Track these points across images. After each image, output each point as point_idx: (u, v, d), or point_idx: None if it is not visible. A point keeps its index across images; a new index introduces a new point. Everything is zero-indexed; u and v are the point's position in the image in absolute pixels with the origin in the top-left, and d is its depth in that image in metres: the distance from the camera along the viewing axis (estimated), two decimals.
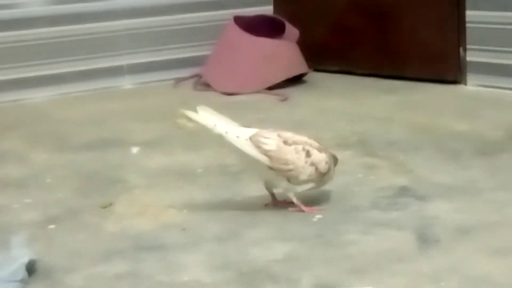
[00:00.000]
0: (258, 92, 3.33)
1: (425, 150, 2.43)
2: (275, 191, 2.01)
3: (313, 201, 2.01)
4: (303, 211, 1.96)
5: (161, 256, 1.75)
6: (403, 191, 2.08)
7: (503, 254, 1.67)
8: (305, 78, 3.50)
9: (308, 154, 1.94)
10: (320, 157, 1.96)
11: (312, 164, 1.94)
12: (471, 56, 3.24)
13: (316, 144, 1.97)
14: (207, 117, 1.91)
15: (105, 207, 2.06)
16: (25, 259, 1.66)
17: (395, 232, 1.82)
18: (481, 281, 1.55)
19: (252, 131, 1.94)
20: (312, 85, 3.45)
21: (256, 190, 2.08)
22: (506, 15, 3.12)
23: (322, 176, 1.97)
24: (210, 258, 1.73)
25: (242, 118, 2.76)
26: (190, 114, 1.90)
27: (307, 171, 1.94)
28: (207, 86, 3.44)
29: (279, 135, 1.95)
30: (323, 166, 1.96)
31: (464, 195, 2.03)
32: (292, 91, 3.32)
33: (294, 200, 1.97)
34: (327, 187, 2.07)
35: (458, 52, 3.25)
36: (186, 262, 1.71)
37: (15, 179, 2.33)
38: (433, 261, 1.66)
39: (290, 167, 1.93)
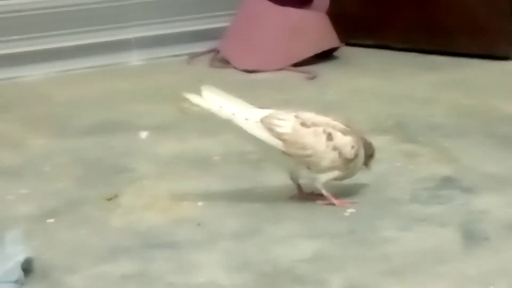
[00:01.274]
0: (283, 69, 3.33)
1: (472, 136, 2.42)
2: (301, 181, 2.01)
3: (345, 193, 2.02)
4: (333, 204, 1.97)
5: (173, 254, 1.76)
6: (447, 182, 2.08)
7: None
8: (335, 53, 3.49)
9: (329, 137, 1.93)
10: (345, 141, 1.94)
11: (335, 148, 1.93)
12: None
13: (340, 126, 1.95)
14: (212, 98, 1.90)
15: (110, 199, 2.07)
16: (20, 258, 1.67)
17: (438, 229, 1.82)
18: None
19: (264, 112, 1.93)
20: (343, 61, 3.44)
21: (279, 180, 2.09)
22: None
23: (348, 163, 1.95)
24: (228, 257, 1.74)
25: (264, 99, 2.78)
26: (192, 97, 1.90)
27: (328, 156, 1.93)
28: (225, 62, 3.44)
29: (296, 116, 1.93)
30: (348, 151, 1.94)
31: None
32: (321, 68, 3.32)
33: (323, 191, 1.96)
34: (360, 177, 2.07)
35: (511, 24, 3.23)
36: (201, 262, 1.72)
37: (10, 167, 2.35)
38: (480, 262, 1.66)
39: (308, 152, 1.92)
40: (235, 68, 3.38)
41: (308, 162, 1.93)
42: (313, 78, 3.22)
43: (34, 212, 2.02)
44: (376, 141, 2.09)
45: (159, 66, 3.51)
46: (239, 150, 2.26)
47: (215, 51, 3.54)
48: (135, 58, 3.55)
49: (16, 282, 1.61)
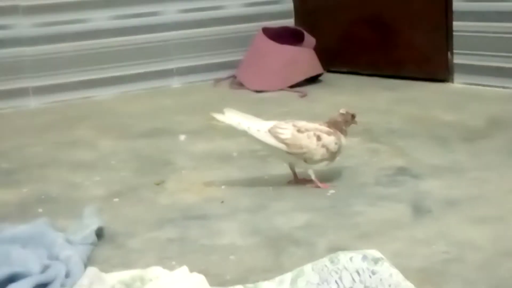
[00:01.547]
0: (282, 89, 3.31)
1: (419, 137, 2.40)
2: (297, 170, 2.01)
3: (327, 179, 2.00)
4: (319, 187, 1.96)
5: (203, 224, 1.75)
6: (401, 171, 2.07)
7: (484, 223, 1.66)
8: (320, 78, 3.49)
9: (318, 138, 1.93)
10: (330, 139, 1.94)
11: (323, 146, 1.94)
12: (457, 59, 3.20)
13: (325, 129, 1.95)
14: (232, 117, 1.92)
15: (158, 184, 2.07)
16: (94, 227, 1.68)
17: (394, 204, 1.81)
18: (465, 245, 1.54)
19: (270, 123, 1.94)
20: (326, 83, 3.43)
21: (280, 170, 2.08)
22: (486, 25, 3.08)
23: (334, 154, 1.96)
24: (243, 225, 1.73)
25: (269, 111, 2.82)
26: (218, 116, 1.92)
27: (319, 152, 1.93)
28: (240, 85, 3.43)
29: (293, 125, 1.94)
30: (333, 147, 1.95)
31: (451, 173, 2.02)
32: (310, 89, 3.31)
33: (313, 177, 1.96)
34: (338, 167, 2.06)
35: (447, 56, 3.21)
36: (224, 229, 1.71)
37: (87, 162, 2.34)
38: (425, 228, 1.66)
39: (304, 150, 1.92)
40: (248, 89, 3.37)
41: (305, 157, 1.93)
42: (304, 96, 3.20)
43: (104, 194, 2.02)
44: (350, 141, 2.06)
45: (193, 88, 3.52)
46: (251, 148, 2.25)
47: (234, 76, 3.53)
48: (175, 82, 3.55)
49: (91, 244, 1.62)
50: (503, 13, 3.00)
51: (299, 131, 1.93)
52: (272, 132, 1.91)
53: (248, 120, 1.94)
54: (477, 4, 3.08)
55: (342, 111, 1.99)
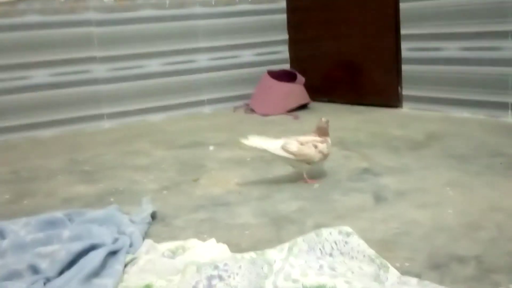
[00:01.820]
0: (281, 114, 3.30)
1: (378, 147, 2.39)
2: (300, 171, 2.00)
3: (315, 177, 2.00)
4: (307, 182, 1.96)
5: (227, 209, 1.76)
6: (366, 171, 2.06)
7: (424, 207, 1.66)
8: (308, 106, 3.47)
9: (315, 146, 1.95)
10: (323, 146, 1.96)
11: (319, 152, 1.95)
12: (405, 91, 3.19)
13: (318, 139, 1.97)
14: (254, 140, 1.94)
15: (195, 181, 2.07)
16: (150, 210, 1.69)
17: (361, 195, 1.81)
18: (412, 222, 1.54)
19: (281, 141, 1.94)
20: (312, 109, 3.42)
21: (281, 171, 2.08)
22: (426, 67, 3.07)
23: (327, 156, 1.98)
24: (254, 210, 1.73)
25: (272, 129, 2.81)
26: (244, 141, 1.93)
27: (317, 156, 1.95)
28: (252, 110, 3.42)
29: (297, 140, 1.95)
30: (326, 151, 1.97)
31: (402, 172, 2.02)
32: (301, 113, 3.29)
33: (305, 175, 1.97)
34: (322, 168, 2.06)
35: (398, 89, 3.20)
36: (241, 212, 1.72)
37: (144, 166, 2.34)
38: (383, 211, 1.65)
39: (307, 156, 1.94)
40: (257, 113, 3.36)
41: (307, 161, 1.95)
42: (297, 118, 3.19)
43: (156, 188, 2.02)
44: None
45: (219, 113, 3.50)
46: (260, 155, 2.24)
47: (247, 105, 3.53)
48: (206, 109, 3.54)
49: (148, 223, 1.63)
50: (439, 59, 2.99)
51: (301, 144, 1.94)
52: (284, 148, 1.93)
53: (265, 141, 1.96)
54: (420, 52, 3.08)
55: (324, 119, 2.01)
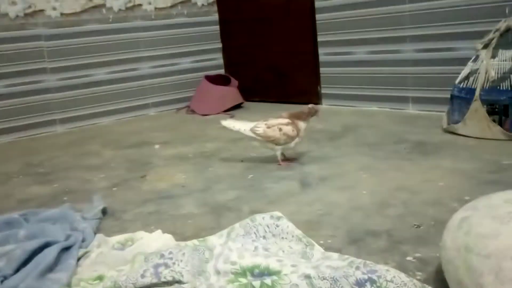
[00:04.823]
0: (218, 113, 3.26)
1: (303, 139, 2.39)
2: (273, 152, 1.98)
3: (273, 161, 1.98)
4: (280, 164, 1.97)
5: (171, 201, 1.71)
6: (294, 162, 2.06)
7: (343, 190, 1.68)
8: (242, 105, 3.46)
9: (280, 129, 1.92)
10: (287, 128, 1.93)
11: (284, 134, 1.92)
12: (324, 90, 3.23)
13: (285, 121, 1.94)
14: (230, 122, 1.97)
15: (142, 177, 2.01)
16: (100, 207, 1.62)
17: (289, 182, 1.81)
18: (333, 204, 1.56)
19: (251, 124, 1.94)
20: (246, 109, 3.40)
21: (219, 165, 2.04)
22: (340, 69, 3.12)
23: (293, 138, 1.94)
24: (197, 201, 1.70)
25: (210, 127, 2.76)
26: (223, 122, 1.97)
27: (282, 138, 1.93)
28: (193, 111, 3.37)
29: (265, 124, 1.94)
30: (291, 133, 1.93)
31: (323, 160, 2.03)
32: (236, 112, 3.27)
33: (278, 157, 1.97)
34: (258, 159, 2.05)
35: (317, 89, 3.24)
36: (184, 204, 1.67)
37: (95, 165, 2.26)
38: (308, 195, 1.66)
39: (272, 138, 1.93)
40: (198, 114, 3.31)
41: (275, 142, 1.94)
42: (232, 117, 3.15)
43: (107, 185, 1.95)
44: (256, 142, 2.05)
45: (163, 114, 3.42)
46: (200, 151, 2.21)
47: (188, 106, 3.47)
48: (151, 111, 3.46)
49: (99, 219, 1.56)
50: (350, 62, 3.05)
51: (268, 126, 1.93)
52: (252, 130, 1.92)
53: (239, 123, 1.95)
54: (334, 56, 3.13)
55: (310, 106, 1.98)
